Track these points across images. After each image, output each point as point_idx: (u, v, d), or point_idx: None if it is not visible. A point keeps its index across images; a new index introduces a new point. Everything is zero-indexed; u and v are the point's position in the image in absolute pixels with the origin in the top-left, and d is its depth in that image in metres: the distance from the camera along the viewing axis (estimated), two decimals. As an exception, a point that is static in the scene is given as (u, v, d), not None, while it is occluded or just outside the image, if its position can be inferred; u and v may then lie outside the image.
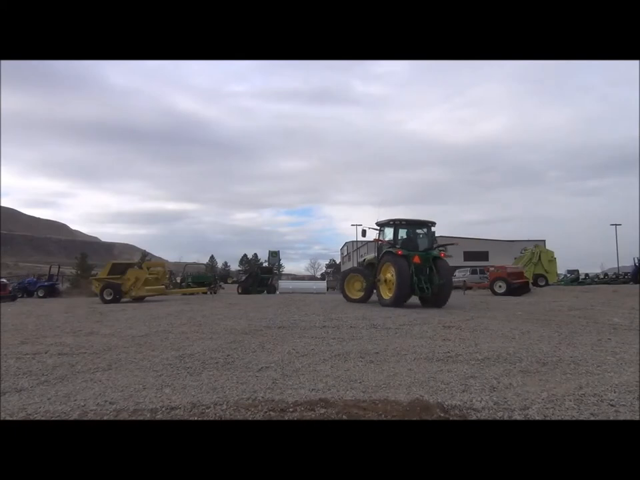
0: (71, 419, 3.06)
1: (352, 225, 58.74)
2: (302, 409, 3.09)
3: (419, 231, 13.23)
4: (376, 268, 12.93)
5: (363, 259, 16.13)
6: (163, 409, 3.20)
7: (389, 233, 13.26)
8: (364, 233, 13.55)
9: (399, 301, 11.68)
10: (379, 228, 13.45)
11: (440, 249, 12.77)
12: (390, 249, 12.49)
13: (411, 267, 11.85)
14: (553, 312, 9.88)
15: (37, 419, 3.08)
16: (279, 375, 4.23)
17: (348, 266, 59.35)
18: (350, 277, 14.19)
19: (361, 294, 13.47)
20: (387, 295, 12.15)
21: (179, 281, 29.42)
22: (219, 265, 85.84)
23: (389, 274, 12.14)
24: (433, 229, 13.13)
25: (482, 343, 5.81)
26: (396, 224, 13.01)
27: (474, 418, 2.97)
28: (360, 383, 3.92)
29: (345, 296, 13.88)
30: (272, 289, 26.93)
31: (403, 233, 13.12)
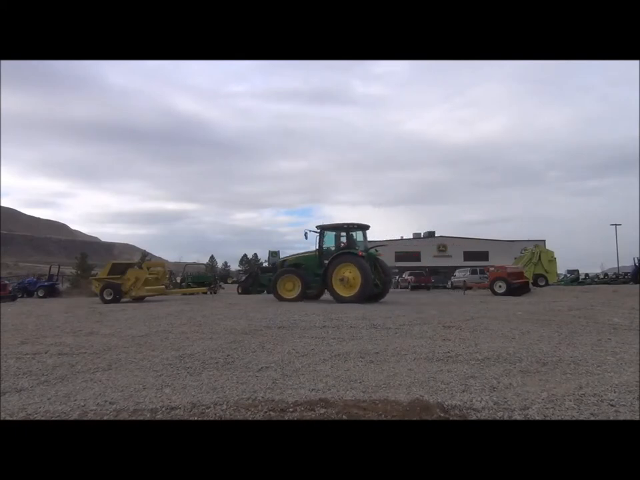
0: (71, 419, 3.06)
1: (352, 225, 58.48)
2: (302, 409, 3.09)
3: (360, 233, 14.83)
4: (323, 268, 13.97)
5: (281, 260, 17.01)
6: (163, 409, 3.19)
7: (330, 236, 14.74)
8: (306, 235, 14.84)
9: (363, 298, 12.96)
10: (319, 231, 14.77)
11: (376, 249, 14.64)
12: (350, 250, 13.86)
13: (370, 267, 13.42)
14: (552, 312, 9.87)
15: (37, 419, 3.08)
16: (279, 375, 4.23)
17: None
18: (283, 277, 14.71)
19: (294, 294, 14.27)
20: (345, 292, 13.33)
21: (179, 280, 29.41)
22: (219, 265, 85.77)
23: (348, 273, 13.43)
24: (367, 231, 15.03)
25: (482, 343, 5.81)
26: (350, 227, 14.57)
27: (474, 418, 2.97)
28: (360, 383, 3.92)
29: (277, 296, 14.47)
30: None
31: (345, 236, 14.63)
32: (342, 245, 14.51)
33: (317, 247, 14.74)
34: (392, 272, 15.35)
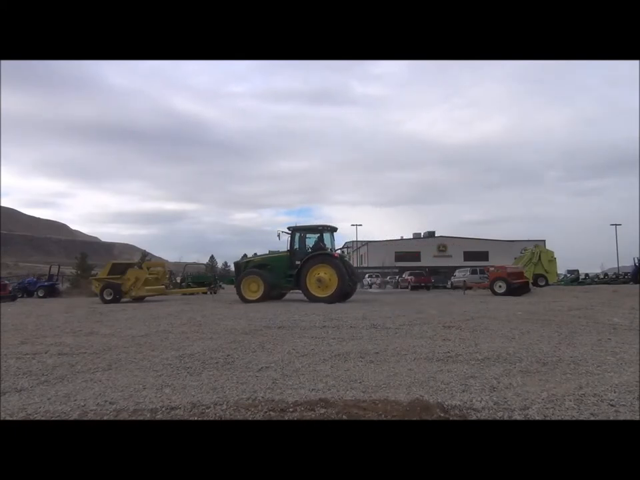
0: (71, 419, 3.06)
1: (352, 225, 58.84)
2: (302, 409, 3.09)
3: (328, 235, 15.25)
4: (295, 269, 14.25)
5: (246, 260, 17.25)
6: (163, 409, 3.19)
7: (298, 237, 15.01)
8: (279, 236, 15.18)
9: (337, 298, 13.38)
10: (290, 232, 15.11)
11: (343, 251, 15.60)
12: (326, 252, 14.36)
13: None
14: (552, 312, 9.87)
15: (37, 419, 3.08)
16: (279, 375, 4.23)
17: (348, 266, 59.44)
18: (247, 279, 14.87)
19: (258, 294, 14.41)
20: (320, 293, 13.70)
21: (179, 281, 29.40)
22: (219, 265, 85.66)
23: (323, 273, 13.81)
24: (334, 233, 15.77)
25: (482, 343, 5.81)
26: (325, 229, 15.13)
27: (474, 418, 2.97)
28: (360, 382, 3.92)
29: (242, 297, 14.59)
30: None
31: (315, 237, 15.06)
32: (308, 247, 14.93)
33: (288, 248, 15.03)
34: (358, 273, 16.76)
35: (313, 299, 13.60)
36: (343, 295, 13.82)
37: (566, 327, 7.36)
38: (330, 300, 13.11)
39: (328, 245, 14.91)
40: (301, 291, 14.36)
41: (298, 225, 15.52)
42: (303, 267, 13.96)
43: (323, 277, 13.73)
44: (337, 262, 13.95)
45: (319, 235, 15.01)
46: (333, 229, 15.50)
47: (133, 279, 16.70)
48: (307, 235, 15.17)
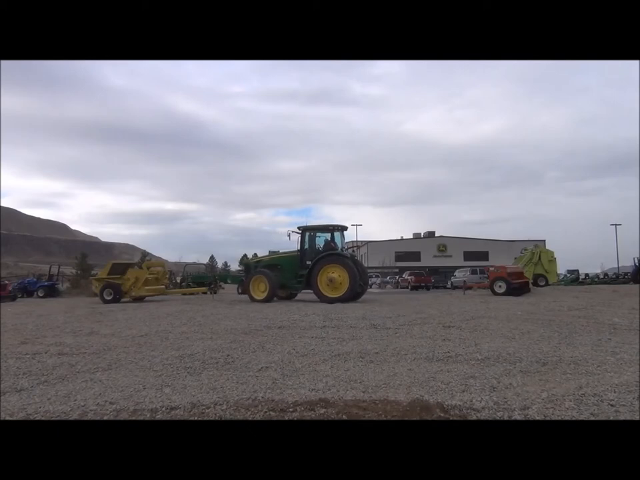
0: (71, 419, 3.06)
1: (352, 225, 58.82)
2: (302, 409, 3.09)
3: (338, 234, 15.18)
4: (306, 269, 14.15)
5: (255, 260, 17.17)
6: (163, 409, 3.20)
7: (308, 237, 14.93)
8: (289, 236, 15.06)
9: (349, 298, 13.35)
10: (300, 232, 15.02)
11: (353, 250, 15.59)
12: (337, 252, 14.26)
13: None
14: (553, 312, 9.86)
15: (37, 419, 3.08)
16: (278, 375, 4.23)
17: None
18: (255, 279, 14.87)
19: (265, 294, 14.38)
20: (331, 293, 13.63)
21: (179, 280, 29.38)
22: (219, 264, 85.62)
23: (335, 274, 13.69)
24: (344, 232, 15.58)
25: (482, 343, 5.81)
26: (336, 229, 15.06)
27: (474, 418, 2.97)
28: (360, 383, 3.92)
29: (250, 297, 14.65)
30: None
31: (325, 236, 15.01)
32: (318, 246, 14.90)
33: (299, 248, 14.98)
34: (368, 273, 16.83)
35: (324, 299, 13.53)
36: (354, 294, 13.81)
37: (566, 327, 7.36)
38: (340, 300, 13.09)
39: (338, 245, 14.86)
40: (310, 291, 14.29)
41: (307, 224, 15.47)
42: (314, 267, 13.88)
43: (334, 277, 13.66)
44: (349, 262, 13.94)
45: (329, 234, 14.95)
46: (343, 228, 15.41)
47: (133, 279, 16.67)
48: (317, 235, 15.11)
